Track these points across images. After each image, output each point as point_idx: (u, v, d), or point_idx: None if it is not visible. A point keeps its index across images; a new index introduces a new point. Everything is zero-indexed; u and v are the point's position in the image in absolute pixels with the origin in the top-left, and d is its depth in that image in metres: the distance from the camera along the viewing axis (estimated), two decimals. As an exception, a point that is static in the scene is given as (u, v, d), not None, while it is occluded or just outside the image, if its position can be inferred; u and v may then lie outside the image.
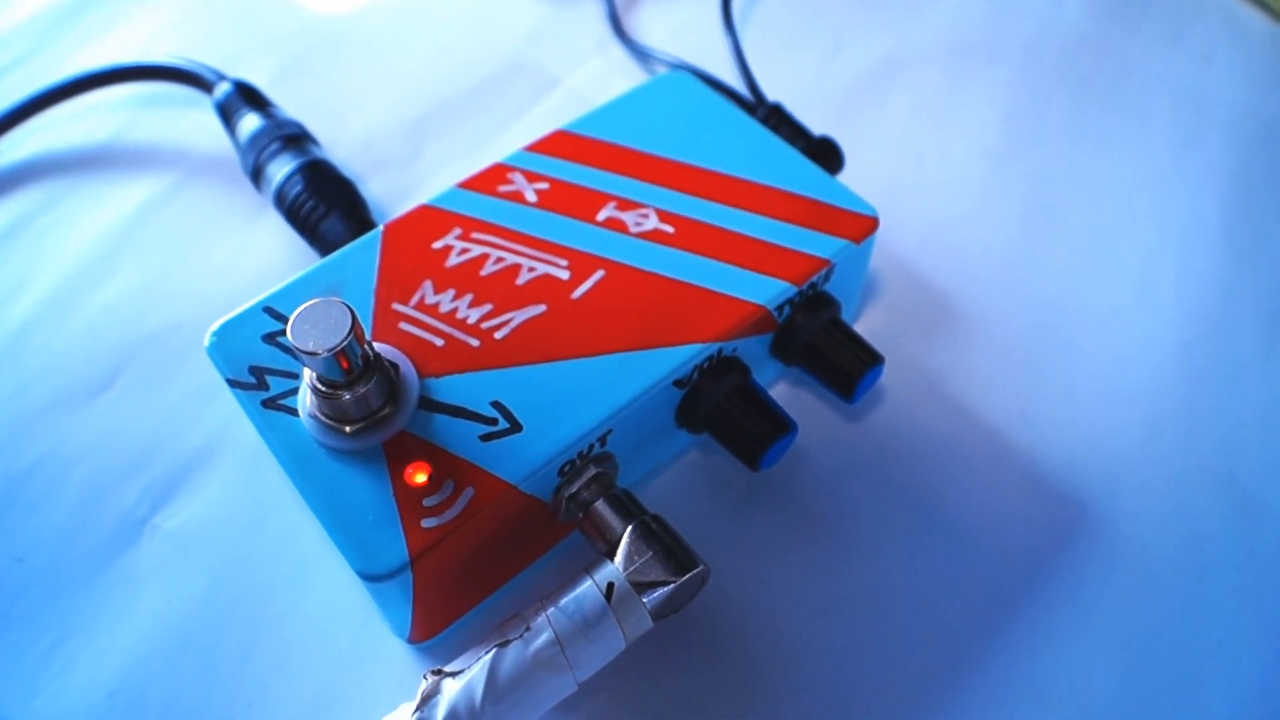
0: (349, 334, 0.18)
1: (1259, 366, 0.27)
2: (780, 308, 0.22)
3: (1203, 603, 0.23)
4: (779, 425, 0.21)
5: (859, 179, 0.28)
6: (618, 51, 0.35)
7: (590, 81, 0.34)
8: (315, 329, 0.18)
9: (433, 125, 0.33)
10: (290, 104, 0.31)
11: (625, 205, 0.24)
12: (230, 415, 0.26)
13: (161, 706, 0.22)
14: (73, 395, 0.27)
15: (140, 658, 0.22)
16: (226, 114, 0.29)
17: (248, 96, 0.29)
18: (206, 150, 0.32)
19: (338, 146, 0.32)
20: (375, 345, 0.21)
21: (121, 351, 0.28)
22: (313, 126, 0.30)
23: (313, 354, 0.18)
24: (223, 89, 0.30)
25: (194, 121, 0.33)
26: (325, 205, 0.26)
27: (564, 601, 0.19)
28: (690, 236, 0.23)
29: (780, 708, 0.21)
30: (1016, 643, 0.22)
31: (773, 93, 0.32)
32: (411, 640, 0.22)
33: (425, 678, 0.19)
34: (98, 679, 0.22)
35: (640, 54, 0.34)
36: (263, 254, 0.29)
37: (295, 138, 0.28)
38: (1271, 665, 0.22)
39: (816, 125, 0.31)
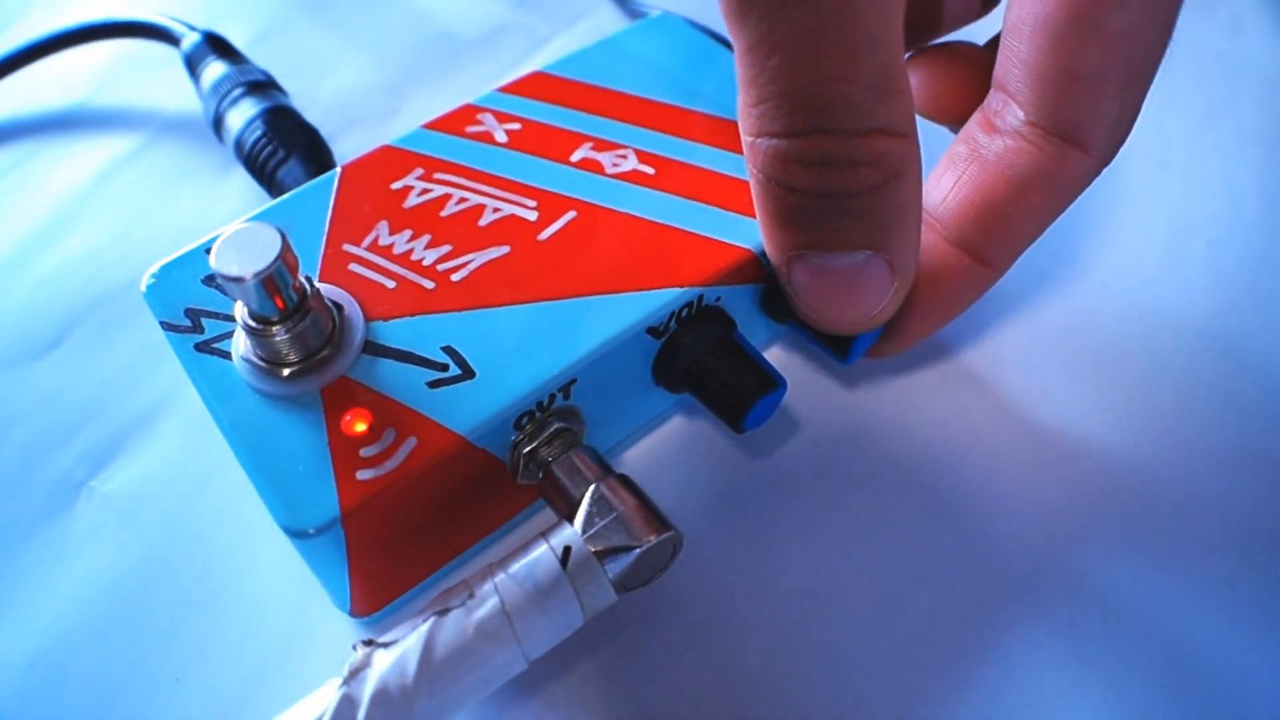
0: (277, 258, 0.16)
1: (1304, 337, 0.24)
2: (768, 254, 0.20)
3: (1242, 591, 0.20)
4: (764, 381, 0.19)
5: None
6: (611, 11, 0.33)
7: (581, 41, 0.32)
8: (241, 253, 0.16)
9: (414, 85, 0.31)
10: (268, 64, 0.29)
11: (602, 146, 0.22)
12: (180, 374, 0.24)
13: (82, 679, 0.20)
14: (19, 354, 0.25)
15: (65, 627, 0.20)
16: (193, 65, 0.28)
17: (215, 46, 0.28)
18: (177, 109, 0.31)
19: (314, 105, 0.30)
20: (319, 284, 0.19)
21: (73, 310, 0.26)
22: (290, 85, 0.29)
23: (238, 279, 0.16)
24: (191, 40, 0.28)
25: (168, 82, 0.32)
26: (285, 150, 0.24)
27: (515, 568, 0.17)
28: (672, 178, 0.21)
29: (762, 696, 0.19)
30: (1028, 637, 0.20)
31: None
32: (354, 614, 0.19)
33: (355, 648, 0.16)
34: (18, 649, 0.20)
35: (634, 13, 0.33)
36: (228, 211, 0.28)
37: (259, 84, 0.26)
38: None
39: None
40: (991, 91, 0.19)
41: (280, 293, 0.17)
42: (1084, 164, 0.18)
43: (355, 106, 0.31)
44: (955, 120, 0.21)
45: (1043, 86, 0.17)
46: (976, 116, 0.19)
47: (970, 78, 0.20)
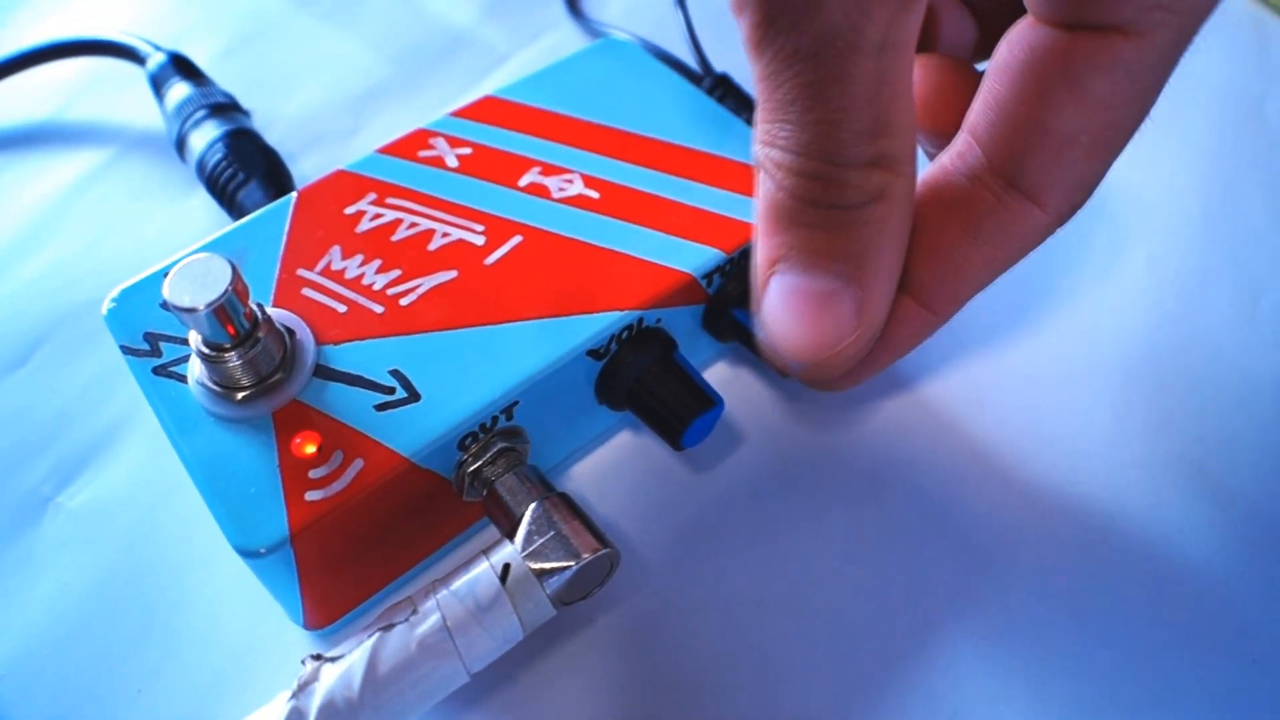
0: (228, 289, 0.17)
1: (1235, 352, 0.25)
2: (709, 276, 0.21)
3: (1171, 599, 0.21)
4: (701, 400, 0.20)
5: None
6: (571, 28, 0.34)
7: (540, 58, 0.33)
8: (193, 284, 0.17)
9: (374, 102, 0.32)
10: (232, 81, 0.30)
11: (550, 170, 0.23)
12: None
13: (50, 691, 0.20)
14: (-14, 371, 0.26)
15: (33, 641, 0.21)
16: (158, 85, 0.28)
17: (180, 67, 0.28)
18: (143, 128, 0.31)
19: (276, 123, 0.31)
20: (272, 310, 0.20)
21: (39, 328, 0.27)
22: (252, 104, 0.29)
23: (190, 310, 0.17)
24: (156, 60, 0.29)
25: (133, 100, 0.32)
26: (244, 173, 0.25)
27: (456, 584, 0.18)
28: (616, 202, 0.22)
29: (702, 706, 0.20)
30: (965, 646, 0.21)
31: (737, 75, 0.30)
32: (308, 626, 0.20)
33: (304, 663, 0.17)
34: (-15, 664, 0.21)
35: (594, 31, 0.33)
36: (192, 229, 0.28)
37: (222, 107, 0.27)
38: (1242, 672, 0.20)
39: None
40: (959, 133, 0.18)
41: (232, 321, 0.17)
42: (1039, 220, 0.18)
43: (317, 123, 0.31)
44: (938, 132, 0.21)
45: (1011, 134, 0.17)
46: (940, 156, 0.19)
47: (962, 91, 0.19)
